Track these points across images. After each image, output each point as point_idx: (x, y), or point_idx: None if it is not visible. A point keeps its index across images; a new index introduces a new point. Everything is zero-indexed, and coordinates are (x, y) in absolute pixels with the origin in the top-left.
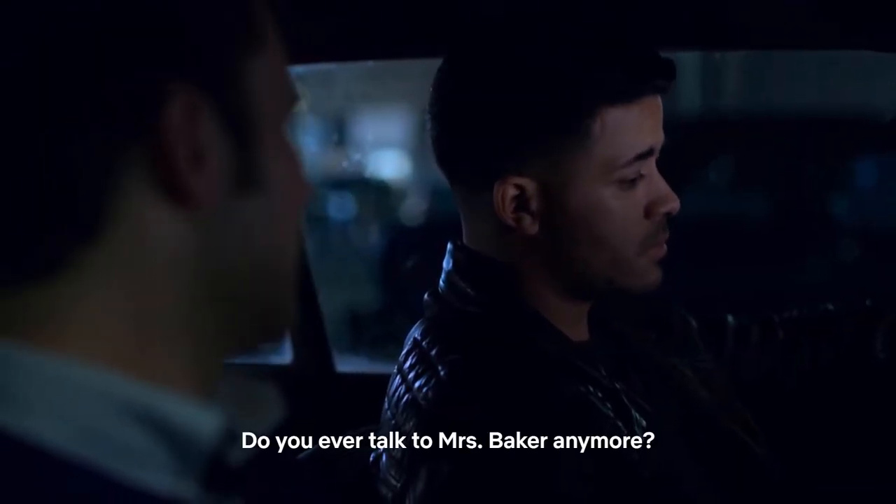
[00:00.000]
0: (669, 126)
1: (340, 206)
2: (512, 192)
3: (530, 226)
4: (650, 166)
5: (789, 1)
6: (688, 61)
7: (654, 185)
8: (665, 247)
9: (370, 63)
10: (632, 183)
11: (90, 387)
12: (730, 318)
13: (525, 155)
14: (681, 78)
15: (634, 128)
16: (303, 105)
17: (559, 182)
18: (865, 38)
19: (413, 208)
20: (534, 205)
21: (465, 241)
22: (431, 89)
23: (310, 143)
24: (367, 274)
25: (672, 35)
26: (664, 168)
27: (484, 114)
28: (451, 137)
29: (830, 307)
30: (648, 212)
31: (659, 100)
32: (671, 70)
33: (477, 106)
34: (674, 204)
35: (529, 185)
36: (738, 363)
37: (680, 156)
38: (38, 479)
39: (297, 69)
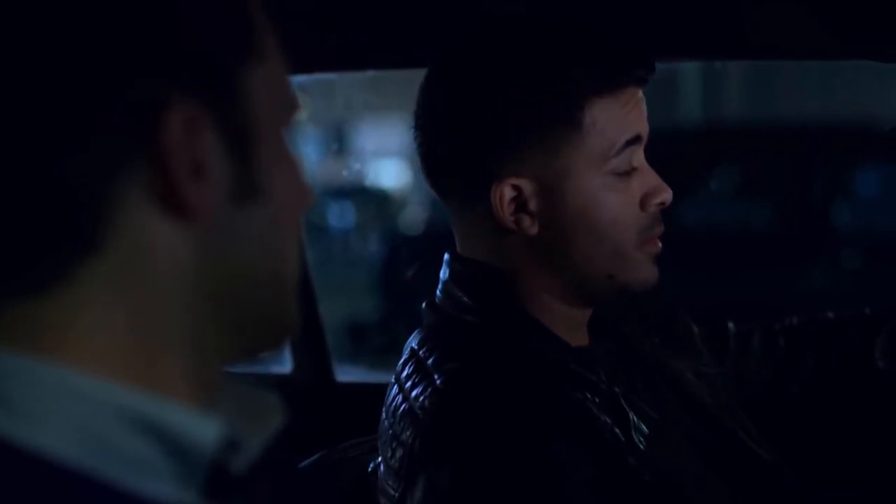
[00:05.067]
0: (673, 135)
1: (341, 215)
2: (510, 193)
3: (530, 226)
4: (641, 158)
5: (791, 10)
6: (690, 71)
7: (647, 176)
8: (659, 243)
9: (371, 72)
10: (626, 174)
11: (91, 396)
12: (731, 325)
13: (520, 154)
14: (684, 87)
15: (621, 116)
16: (303, 114)
17: (555, 178)
18: (867, 48)
19: (414, 217)
20: (532, 204)
21: (459, 251)
22: (417, 102)
23: (310, 153)
24: (368, 283)
25: (674, 44)
26: (669, 176)
27: (477, 117)
28: (443, 146)
29: (830, 315)
30: (643, 203)
31: (640, 92)
32: (649, 62)
33: (469, 110)
34: (666, 195)
35: (526, 184)
36: (740, 370)
37: (683, 165)
38: (40, 488)
39: (298, 78)
